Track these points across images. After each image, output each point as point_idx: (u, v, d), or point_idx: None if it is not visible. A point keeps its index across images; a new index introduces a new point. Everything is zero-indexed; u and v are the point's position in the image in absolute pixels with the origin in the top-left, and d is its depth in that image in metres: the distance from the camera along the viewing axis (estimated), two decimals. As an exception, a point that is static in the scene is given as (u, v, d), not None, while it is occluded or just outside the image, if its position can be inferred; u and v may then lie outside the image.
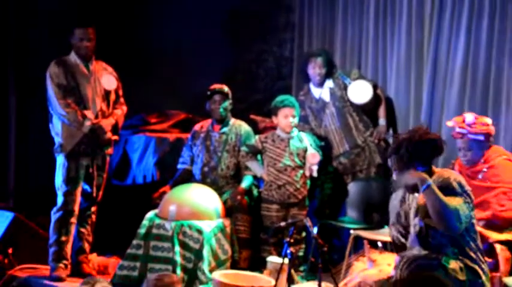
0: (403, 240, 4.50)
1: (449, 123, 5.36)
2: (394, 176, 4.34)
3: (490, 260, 4.80)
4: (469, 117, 5.21)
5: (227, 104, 6.38)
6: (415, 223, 4.32)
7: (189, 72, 7.60)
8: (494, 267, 4.81)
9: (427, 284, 2.03)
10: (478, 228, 4.79)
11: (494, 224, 5.00)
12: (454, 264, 4.14)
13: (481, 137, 5.15)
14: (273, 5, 7.79)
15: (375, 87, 6.50)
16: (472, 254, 4.22)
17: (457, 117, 5.33)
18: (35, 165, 6.83)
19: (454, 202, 4.09)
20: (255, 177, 6.34)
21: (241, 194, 6.17)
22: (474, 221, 4.31)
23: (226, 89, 6.39)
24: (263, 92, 7.71)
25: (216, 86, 6.40)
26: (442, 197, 4.08)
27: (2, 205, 7.07)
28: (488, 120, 5.28)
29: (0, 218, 6.52)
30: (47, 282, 6.01)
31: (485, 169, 5.17)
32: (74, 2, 7.02)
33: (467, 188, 4.24)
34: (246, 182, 6.28)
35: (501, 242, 4.91)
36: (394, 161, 4.35)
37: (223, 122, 6.41)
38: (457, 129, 5.19)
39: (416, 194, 4.33)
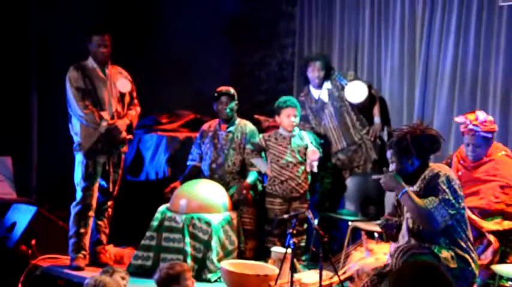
0: (388, 232, 4.51)
1: (458, 119, 5.29)
2: (391, 168, 4.31)
3: (479, 245, 4.81)
4: (481, 115, 5.15)
5: (233, 105, 6.36)
6: (407, 217, 4.30)
7: (197, 76, 7.60)
8: (482, 252, 4.81)
9: (426, 270, 2.00)
10: (473, 217, 4.79)
11: (486, 212, 4.99)
12: (445, 253, 4.13)
13: (490, 135, 5.13)
14: (275, 13, 7.78)
15: (369, 87, 6.52)
16: (463, 244, 4.20)
17: (468, 114, 5.22)
18: (55, 163, 6.82)
19: (431, 204, 4.06)
20: (259, 173, 6.34)
21: (246, 189, 6.17)
22: (464, 212, 4.29)
23: (232, 91, 6.37)
24: (266, 93, 7.70)
25: (223, 88, 6.39)
26: (416, 202, 4.07)
27: (25, 200, 7.09)
28: (492, 119, 5.26)
29: (24, 212, 6.54)
30: (67, 271, 6.02)
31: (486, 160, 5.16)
32: (93, 10, 6.99)
33: (456, 182, 4.21)
34: (251, 178, 6.28)
35: (492, 232, 4.90)
36: (393, 152, 4.31)
37: (229, 121, 6.39)
38: (470, 127, 5.10)
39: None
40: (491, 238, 4.88)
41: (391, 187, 4.22)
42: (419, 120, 4.90)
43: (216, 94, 6.38)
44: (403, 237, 4.34)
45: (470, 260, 4.19)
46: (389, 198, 4.97)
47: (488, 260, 4.81)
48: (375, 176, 4.50)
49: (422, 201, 4.07)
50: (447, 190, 4.11)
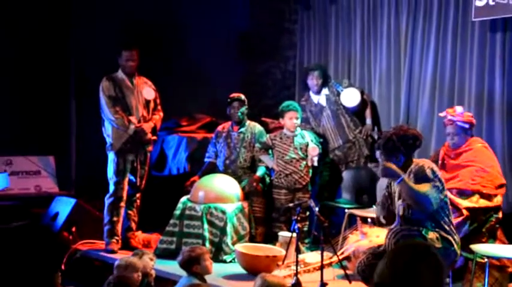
0: (383, 221, 4.49)
1: (441, 114, 5.37)
2: (380, 164, 4.30)
3: (458, 219, 4.81)
4: (459, 109, 5.26)
5: (244, 109, 6.33)
6: (398, 204, 4.28)
7: (212, 84, 7.58)
8: (460, 224, 4.83)
9: (419, 250, 1.97)
10: (452, 196, 4.80)
11: (463, 192, 5.01)
12: (431, 235, 4.13)
13: (467, 125, 5.17)
14: (278, 29, 7.77)
15: (362, 93, 6.50)
16: (446, 227, 4.19)
17: (448, 109, 5.35)
18: (91, 160, 6.81)
19: (425, 188, 4.08)
20: (267, 168, 6.30)
21: (256, 181, 6.15)
22: (447, 200, 4.28)
23: (243, 97, 6.35)
24: (272, 99, 7.67)
25: (235, 94, 6.36)
26: (413, 186, 4.08)
27: (66, 193, 7.07)
28: (471, 114, 5.31)
29: (65, 204, 6.53)
30: (102, 254, 6.03)
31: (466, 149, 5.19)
32: (123, 28, 6.98)
33: (438, 173, 4.23)
34: (260, 171, 6.26)
35: (468, 208, 4.94)
36: (381, 152, 4.31)
37: (240, 123, 6.36)
38: (449, 117, 5.21)
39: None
40: (464, 211, 4.92)
41: (389, 174, 4.20)
42: (401, 124, 4.91)
43: (229, 100, 6.35)
44: (395, 222, 4.32)
45: (453, 241, 4.18)
46: (380, 188, 4.94)
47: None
48: (370, 165, 4.53)
49: (417, 186, 4.06)
50: (435, 179, 4.12)
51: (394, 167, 4.15)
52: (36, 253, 1.97)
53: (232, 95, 6.37)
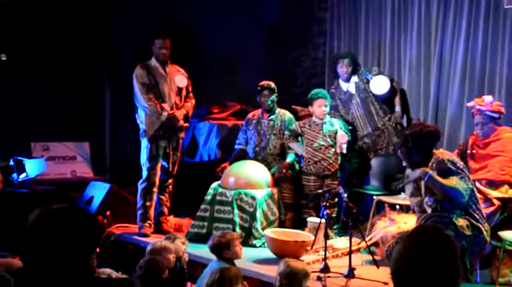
0: (418, 210, 4.50)
1: (469, 104, 5.33)
2: (407, 172, 4.34)
3: (490, 209, 4.79)
4: (487, 98, 5.21)
5: (273, 97, 6.34)
6: (426, 201, 4.30)
7: (243, 73, 7.59)
8: (490, 216, 4.78)
9: (432, 233, 1.96)
10: (481, 187, 4.77)
11: (493, 183, 4.98)
12: (462, 222, 4.13)
13: (496, 115, 5.13)
14: (308, 17, 7.74)
15: (391, 81, 6.46)
16: (476, 215, 4.19)
17: (476, 98, 5.30)
18: (125, 147, 6.89)
19: (453, 181, 4.08)
20: (296, 155, 6.31)
21: (286, 168, 6.17)
22: (473, 188, 4.27)
23: (273, 85, 6.35)
24: (301, 86, 7.66)
25: (265, 82, 6.37)
26: (442, 181, 4.09)
27: (100, 178, 7.16)
28: (500, 103, 5.26)
29: (100, 188, 6.61)
30: (136, 237, 6.09)
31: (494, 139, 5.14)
32: (157, 19, 7.04)
33: (460, 164, 4.25)
34: (289, 158, 6.27)
35: (497, 198, 4.91)
36: (402, 152, 4.35)
37: (271, 111, 6.37)
38: (477, 107, 5.15)
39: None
40: (495, 201, 4.87)
41: (417, 177, 4.22)
42: (417, 121, 4.90)
43: (259, 88, 6.36)
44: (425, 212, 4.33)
45: (482, 229, 4.17)
46: (407, 180, 4.93)
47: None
48: (400, 185, 4.58)
49: (445, 181, 4.07)
50: (458, 170, 4.12)
51: (420, 170, 4.18)
52: (75, 234, 2.02)
53: (262, 83, 6.37)
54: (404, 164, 4.40)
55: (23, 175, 6.65)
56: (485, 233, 4.16)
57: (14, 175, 6.64)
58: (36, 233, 2.00)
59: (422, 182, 4.34)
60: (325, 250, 4.93)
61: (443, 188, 4.06)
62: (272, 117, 6.38)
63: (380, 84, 6.39)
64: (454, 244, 1.89)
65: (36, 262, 1.99)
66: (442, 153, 4.33)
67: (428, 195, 4.26)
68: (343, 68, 6.51)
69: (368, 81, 6.47)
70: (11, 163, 6.66)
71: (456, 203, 4.08)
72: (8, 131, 6.82)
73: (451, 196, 4.06)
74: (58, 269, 1.98)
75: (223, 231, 4.98)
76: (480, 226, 4.14)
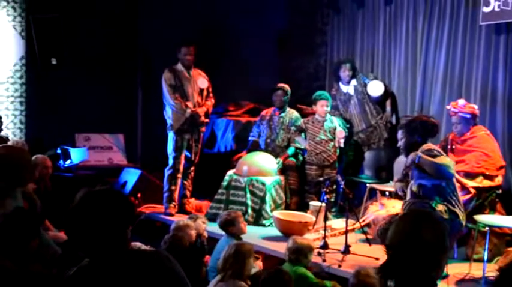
0: (401, 194, 4.47)
1: (448, 107, 5.31)
2: (406, 162, 4.31)
3: (467, 197, 4.79)
4: (461, 101, 5.19)
5: (286, 98, 6.33)
6: (412, 183, 4.27)
7: (255, 76, 7.54)
8: (469, 201, 4.80)
9: (422, 216, 1.97)
10: (459, 178, 4.77)
11: (469, 174, 4.95)
12: (440, 207, 4.10)
13: (468, 116, 5.10)
14: (312, 29, 7.68)
15: (385, 85, 6.41)
16: (452, 201, 4.16)
17: (452, 102, 5.28)
18: (154, 138, 6.91)
19: (441, 159, 4.10)
20: (298, 148, 6.29)
21: (285, 158, 6.17)
22: (453, 177, 4.25)
23: (287, 87, 6.34)
24: (305, 89, 7.61)
25: (281, 85, 6.35)
26: (431, 159, 4.07)
27: (133, 165, 7.17)
28: (475, 106, 5.24)
29: (132, 174, 6.64)
30: (162, 216, 6.12)
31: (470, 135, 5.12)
32: (183, 29, 7.04)
33: (444, 153, 4.24)
34: (290, 151, 6.27)
35: (474, 187, 4.91)
36: (403, 131, 4.31)
37: (282, 109, 6.36)
38: (452, 109, 5.14)
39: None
40: (471, 190, 4.86)
41: (409, 160, 4.20)
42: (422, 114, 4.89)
43: (275, 88, 6.35)
44: (408, 195, 4.31)
45: (459, 213, 4.14)
46: (397, 167, 4.91)
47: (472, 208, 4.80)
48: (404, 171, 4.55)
49: (435, 159, 4.10)
50: (443, 154, 4.14)
51: (412, 154, 4.17)
52: (114, 211, 2.03)
53: (279, 85, 6.36)
54: (399, 143, 4.37)
55: (68, 162, 6.69)
56: (461, 217, 4.14)
57: (61, 162, 6.68)
58: (82, 209, 2.01)
59: (410, 172, 4.32)
60: (325, 230, 4.94)
61: (433, 164, 4.06)
62: (282, 115, 6.37)
63: (376, 88, 6.38)
64: (440, 225, 1.91)
65: (81, 234, 2.00)
66: (429, 145, 4.33)
67: (418, 177, 4.22)
68: (345, 72, 6.49)
69: (365, 85, 6.45)
70: (58, 151, 6.70)
71: (446, 176, 4.08)
72: (56, 124, 6.86)
73: (441, 169, 4.06)
74: (99, 240, 1.99)
75: (229, 210, 4.99)
76: (457, 210, 4.12)
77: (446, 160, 4.14)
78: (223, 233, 4.60)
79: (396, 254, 1.85)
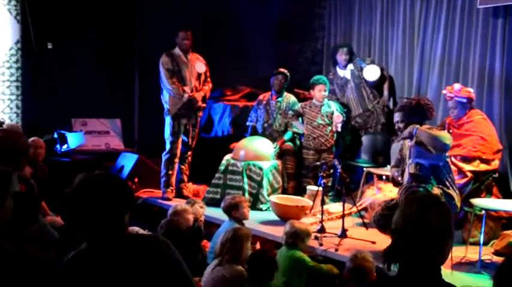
0: (399, 179, 4.47)
1: (444, 91, 5.30)
2: (402, 134, 4.31)
3: (463, 180, 4.81)
4: (456, 86, 5.18)
5: (286, 83, 6.33)
6: (409, 163, 4.25)
7: (253, 61, 7.53)
8: (465, 185, 4.83)
9: (429, 200, 1.96)
10: (456, 161, 4.77)
11: (466, 158, 4.97)
12: (436, 190, 4.11)
13: (464, 100, 5.10)
14: (310, 14, 7.67)
15: (382, 69, 6.41)
16: (448, 184, 4.17)
17: (448, 86, 5.26)
18: (151, 123, 6.88)
19: (438, 133, 4.14)
20: (295, 133, 6.29)
21: (281, 143, 6.18)
22: (448, 159, 4.26)
23: (287, 72, 6.32)
24: (303, 73, 7.59)
25: (281, 69, 6.33)
26: (428, 131, 4.10)
27: (130, 150, 7.13)
28: (471, 89, 5.23)
29: (129, 159, 6.60)
30: (160, 201, 6.11)
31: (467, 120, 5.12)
32: (181, 13, 6.98)
33: None
34: (286, 136, 6.28)
35: (470, 171, 4.92)
36: (402, 113, 4.30)
37: (280, 93, 6.34)
38: (448, 94, 5.13)
39: (407, 144, 4.29)
40: (468, 173, 4.88)
41: (407, 132, 4.21)
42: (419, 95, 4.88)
43: (276, 71, 6.32)
44: (405, 179, 4.30)
45: (454, 195, 4.15)
46: (394, 151, 4.91)
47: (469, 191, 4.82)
48: (398, 140, 4.55)
49: (431, 131, 4.12)
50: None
51: (409, 127, 4.18)
52: (113, 195, 2.03)
53: (279, 69, 6.33)
54: (396, 126, 4.37)
55: (65, 146, 6.66)
56: (456, 199, 4.14)
57: (58, 146, 6.65)
58: (80, 194, 2.01)
59: (407, 152, 4.31)
60: (322, 214, 4.95)
61: (430, 135, 4.08)
62: (279, 99, 6.35)
63: (372, 72, 6.37)
64: (446, 208, 1.91)
65: (79, 219, 1.99)
66: (426, 126, 4.34)
67: (411, 158, 4.22)
68: (342, 56, 6.47)
69: (362, 69, 6.44)
70: (55, 135, 6.67)
71: (442, 147, 4.08)
72: (52, 109, 6.81)
73: (438, 140, 4.07)
74: (97, 225, 1.99)
75: (233, 195, 4.99)
76: (451, 192, 4.13)
77: (444, 132, 4.18)
78: (220, 217, 4.60)
79: (401, 237, 1.84)
